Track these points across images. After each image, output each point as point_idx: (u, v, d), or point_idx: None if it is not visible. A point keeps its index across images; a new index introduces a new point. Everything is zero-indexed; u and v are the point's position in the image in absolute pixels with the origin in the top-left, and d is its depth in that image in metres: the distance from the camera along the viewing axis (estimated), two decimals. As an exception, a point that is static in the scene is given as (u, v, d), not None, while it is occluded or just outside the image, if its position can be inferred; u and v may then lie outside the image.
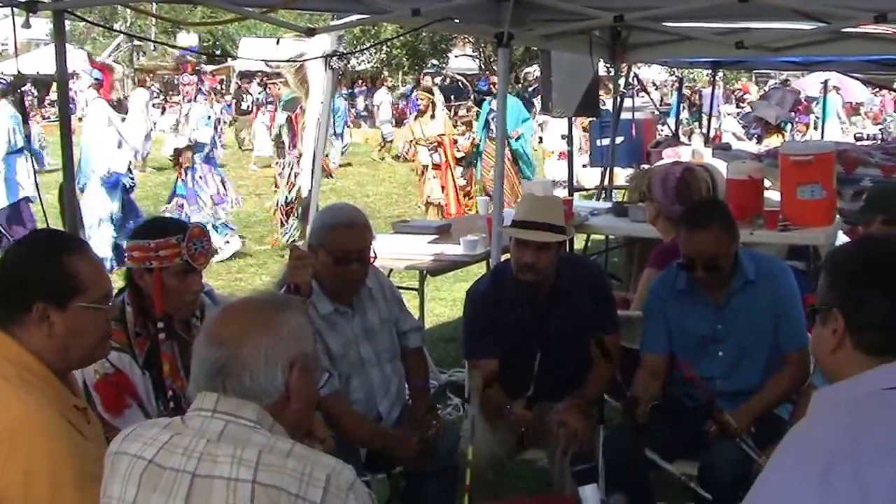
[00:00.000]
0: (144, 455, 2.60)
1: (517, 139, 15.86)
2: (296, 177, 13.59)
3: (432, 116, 15.66)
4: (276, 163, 15.01)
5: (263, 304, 2.81)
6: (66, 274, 3.04)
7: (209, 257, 4.16)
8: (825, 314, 2.48)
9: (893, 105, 30.15)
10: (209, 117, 14.19)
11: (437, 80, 20.58)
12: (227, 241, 14.03)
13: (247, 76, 38.59)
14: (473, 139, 16.25)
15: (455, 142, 15.65)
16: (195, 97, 14.49)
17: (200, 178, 13.78)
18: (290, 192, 13.77)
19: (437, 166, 15.48)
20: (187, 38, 19.80)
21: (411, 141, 15.79)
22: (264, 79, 35.42)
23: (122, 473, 2.62)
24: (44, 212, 6.05)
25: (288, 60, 9.66)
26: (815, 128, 21.55)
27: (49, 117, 29.99)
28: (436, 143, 15.44)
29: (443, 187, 15.41)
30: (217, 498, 2.48)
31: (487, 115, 16.26)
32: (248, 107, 34.40)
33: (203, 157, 13.97)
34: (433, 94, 16.05)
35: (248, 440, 2.55)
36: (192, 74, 15.50)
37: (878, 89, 24.13)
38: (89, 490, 2.86)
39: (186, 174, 13.75)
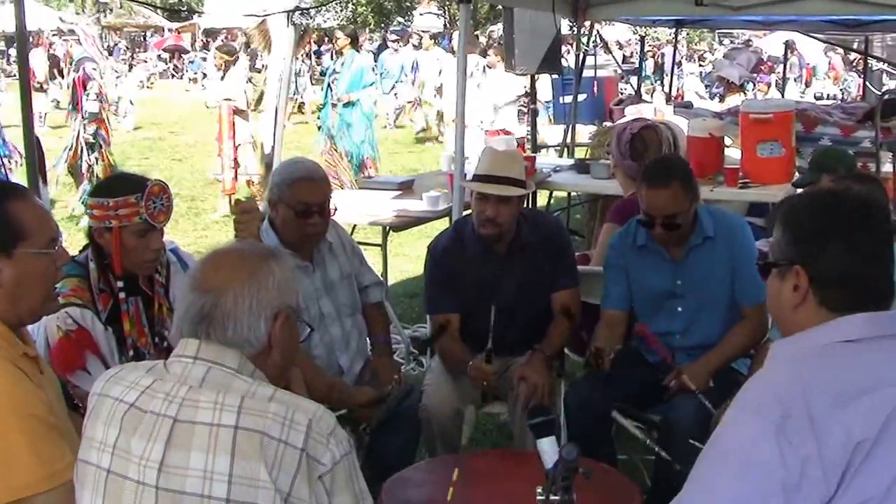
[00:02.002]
0: (126, 399, 2.62)
1: (346, 105, 14.27)
2: (79, 143, 12.98)
3: (221, 79, 14.32)
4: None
5: (250, 254, 2.81)
6: (8, 220, 3.01)
7: (169, 215, 4.11)
8: (784, 269, 2.50)
9: (845, 66, 30.30)
10: None
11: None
12: None
13: (211, 33, 38.46)
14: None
15: (235, 110, 13.93)
16: None
17: None
18: (73, 157, 13.01)
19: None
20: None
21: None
22: (228, 35, 35.26)
23: (105, 416, 2.63)
24: (2, 166, 6.04)
25: (250, 15, 9.60)
26: (777, 87, 21.59)
27: (14, 74, 29.83)
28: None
29: (235, 160, 14.04)
30: (198, 443, 2.50)
31: (329, 78, 15.00)
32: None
33: None
34: (231, 55, 14.62)
35: (229, 386, 2.57)
36: None
37: (831, 46, 24.23)
38: (40, 435, 2.87)
39: None
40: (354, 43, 15.11)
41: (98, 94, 13.08)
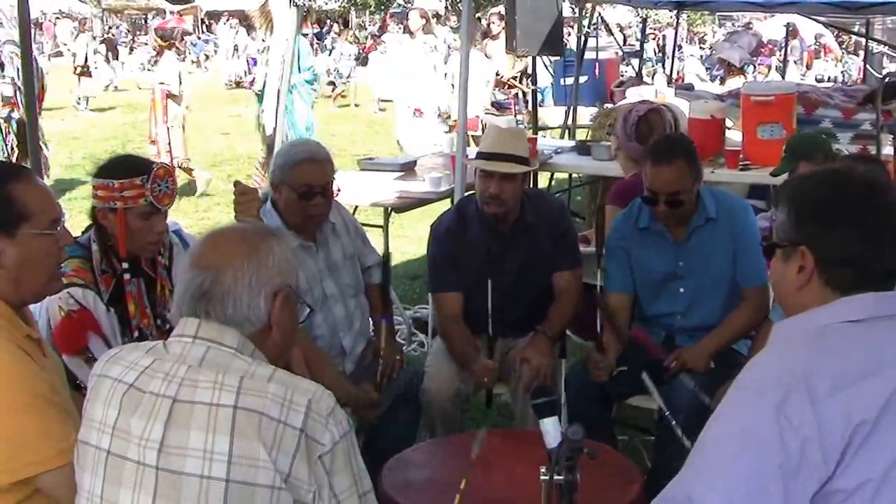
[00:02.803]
0: (125, 379, 2.62)
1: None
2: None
3: (155, 62, 14.28)
4: None
5: (250, 232, 2.81)
6: (11, 201, 3.02)
7: (174, 198, 4.11)
8: (789, 251, 2.49)
9: (843, 49, 30.34)
10: None
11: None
12: None
13: (214, 16, 38.38)
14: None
15: (168, 94, 13.91)
16: None
17: None
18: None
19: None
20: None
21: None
22: (230, 18, 35.23)
23: (104, 397, 2.63)
24: (4, 145, 6.05)
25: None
26: (777, 70, 21.58)
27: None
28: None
29: (153, 142, 14.00)
30: (198, 423, 2.50)
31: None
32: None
33: None
34: (166, 41, 14.67)
35: (229, 365, 2.57)
36: None
37: (830, 30, 24.25)
38: (46, 414, 2.89)
39: None
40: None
41: (14, 78, 12.98)
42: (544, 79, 16.63)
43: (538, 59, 14.01)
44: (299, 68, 13.16)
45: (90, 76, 26.76)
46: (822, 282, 2.45)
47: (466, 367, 5.10)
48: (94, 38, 31.73)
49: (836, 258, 2.43)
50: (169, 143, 13.76)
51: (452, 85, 15.03)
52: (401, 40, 15.66)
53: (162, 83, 13.87)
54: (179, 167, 13.85)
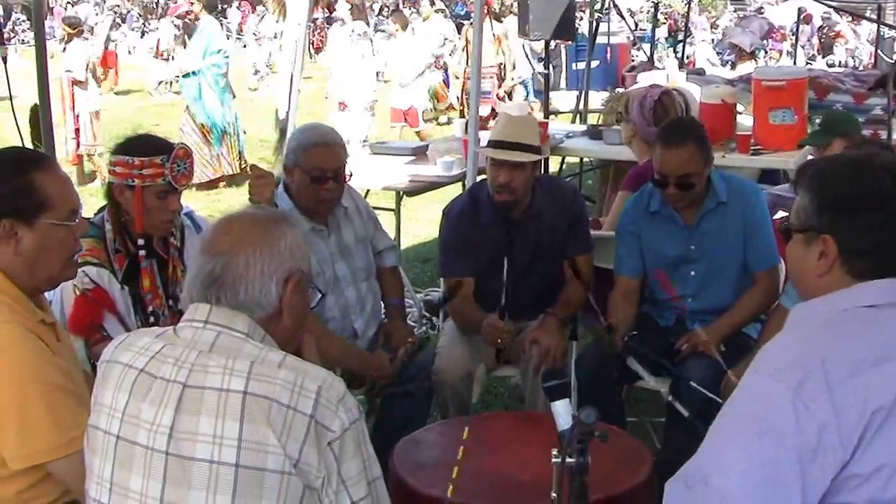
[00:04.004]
0: (136, 364, 2.61)
1: (185, 76, 13.40)
2: None
3: (63, 51, 13.95)
4: None
5: (261, 217, 2.80)
6: (33, 190, 3.04)
7: (191, 178, 4.17)
8: (811, 236, 2.46)
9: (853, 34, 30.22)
10: None
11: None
12: None
13: (226, 0, 38.16)
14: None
15: (74, 81, 13.80)
16: None
17: None
18: None
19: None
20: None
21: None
22: (241, 2, 35.06)
23: (114, 382, 2.63)
24: (20, 133, 6.04)
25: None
26: (789, 55, 21.56)
27: (27, 41, 29.76)
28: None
29: (77, 130, 13.87)
30: (208, 408, 2.49)
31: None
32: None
33: None
34: (74, 28, 14.33)
35: (239, 351, 2.56)
36: None
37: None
38: (57, 402, 2.92)
39: None
40: (210, 9, 14.12)
41: None
42: (525, 69, 16.54)
43: (521, 48, 14.02)
44: (205, 53, 13.13)
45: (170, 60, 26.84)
46: (843, 270, 2.42)
47: (476, 331, 5.12)
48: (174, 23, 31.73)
49: (859, 247, 2.40)
50: (76, 131, 13.74)
51: (378, 73, 14.65)
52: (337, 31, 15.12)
53: (68, 71, 13.80)
54: (87, 155, 13.99)
